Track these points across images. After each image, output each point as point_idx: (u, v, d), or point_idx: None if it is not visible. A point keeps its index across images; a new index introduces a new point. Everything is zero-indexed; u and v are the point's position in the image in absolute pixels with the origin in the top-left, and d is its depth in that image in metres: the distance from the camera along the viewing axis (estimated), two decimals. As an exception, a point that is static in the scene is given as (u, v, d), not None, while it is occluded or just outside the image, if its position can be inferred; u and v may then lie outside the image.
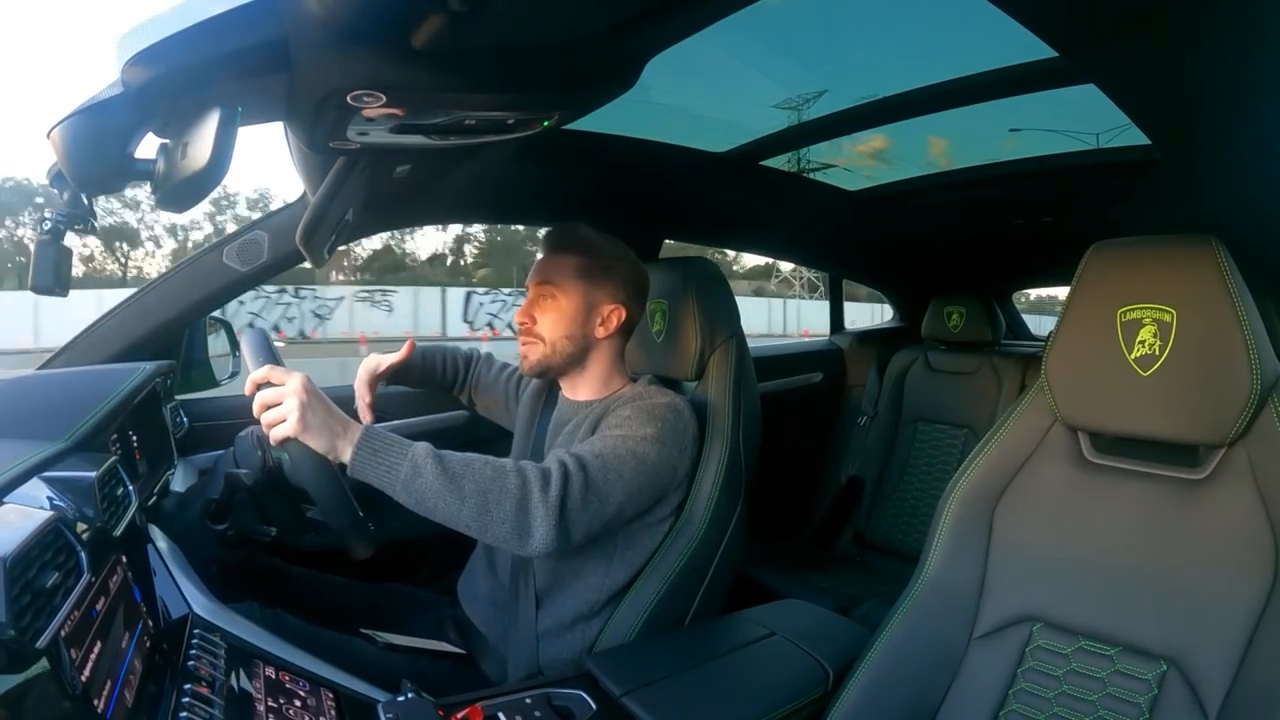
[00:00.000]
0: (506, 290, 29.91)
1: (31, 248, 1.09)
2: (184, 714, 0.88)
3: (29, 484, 0.94)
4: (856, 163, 2.21)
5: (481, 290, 30.26)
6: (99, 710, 0.77)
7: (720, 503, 1.48)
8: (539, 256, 1.55)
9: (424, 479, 1.14)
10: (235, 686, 1.01)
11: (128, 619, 0.94)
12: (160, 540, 1.26)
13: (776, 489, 3.03)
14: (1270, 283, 1.60)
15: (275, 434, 1.12)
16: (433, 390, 1.87)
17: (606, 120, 1.56)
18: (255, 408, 1.14)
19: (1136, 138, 1.46)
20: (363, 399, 1.60)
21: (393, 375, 1.70)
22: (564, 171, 1.87)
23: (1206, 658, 1.02)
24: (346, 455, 1.14)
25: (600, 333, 1.50)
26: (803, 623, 1.48)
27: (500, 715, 1.08)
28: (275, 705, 1.00)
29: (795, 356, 3.30)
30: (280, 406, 1.12)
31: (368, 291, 28.12)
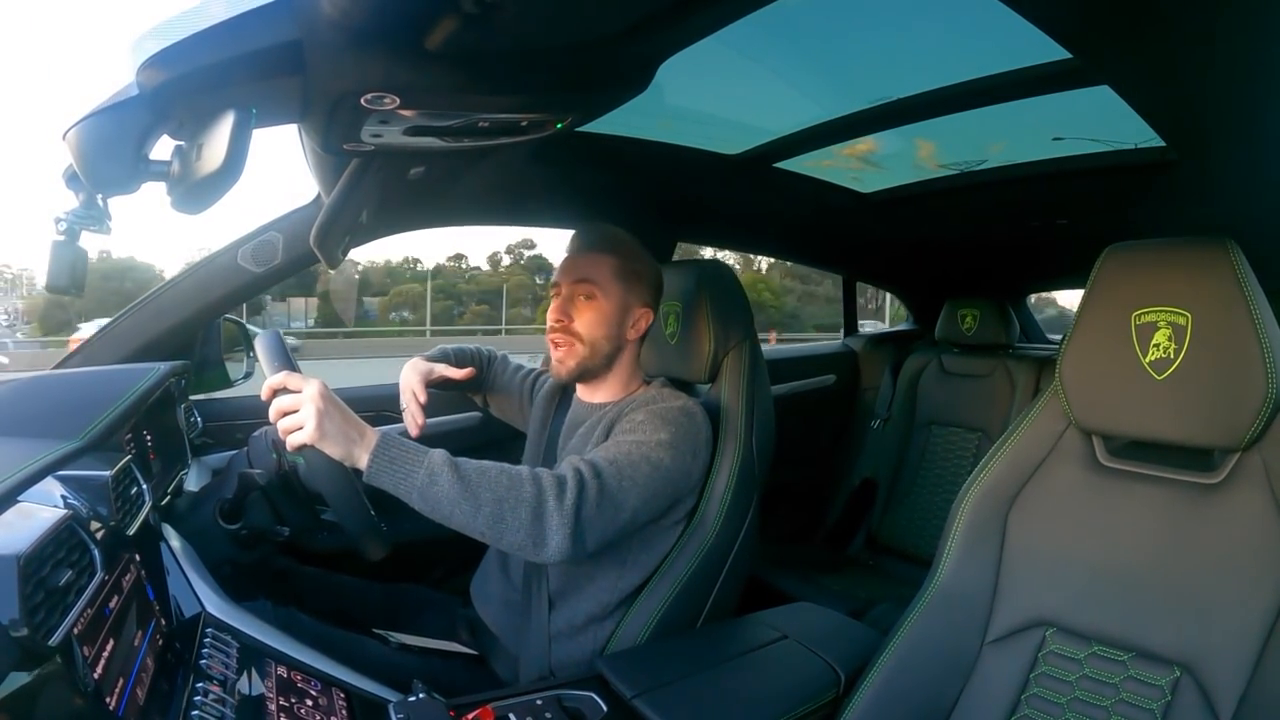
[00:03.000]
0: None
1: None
2: (196, 712, 0.89)
3: (44, 483, 0.95)
4: (843, 165, 2.21)
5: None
6: (111, 707, 0.78)
7: (733, 505, 1.48)
8: (567, 254, 1.53)
9: (440, 487, 1.14)
10: (247, 685, 1.01)
11: (140, 617, 0.95)
12: (173, 539, 1.27)
13: (790, 492, 3.03)
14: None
15: (292, 441, 1.12)
16: (460, 391, 1.87)
17: (620, 122, 1.56)
18: (271, 414, 1.13)
19: (1152, 139, 1.45)
20: (415, 403, 1.58)
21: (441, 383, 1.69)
22: (577, 174, 1.87)
23: (1220, 663, 1.01)
24: (363, 462, 1.13)
25: (631, 335, 1.50)
26: (815, 626, 1.47)
27: (511, 716, 1.08)
28: (287, 704, 1.01)
29: (809, 359, 3.29)
30: (297, 414, 1.11)
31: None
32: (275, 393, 1.15)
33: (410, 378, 1.61)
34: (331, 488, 1.21)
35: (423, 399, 1.59)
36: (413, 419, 1.56)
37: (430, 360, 1.68)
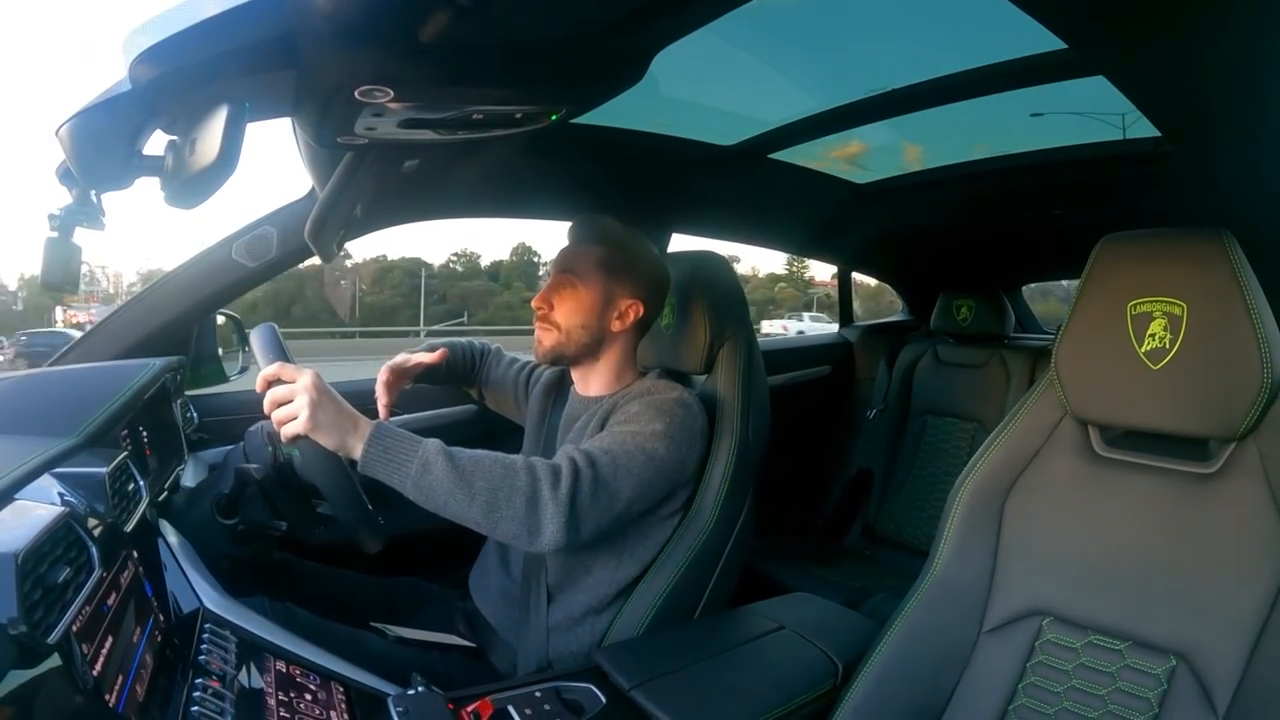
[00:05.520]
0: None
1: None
2: (195, 708, 0.89)
3: (40, 480, 0.94)
4: (832, 168, 2.21)
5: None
6: (110, 704, 0.78)
7: (729, 496, 1.48)
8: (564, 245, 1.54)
9: (434, 476, 1.14)
10: (246, 680, 1.01)
11: (139, 614, 0.95)
12: (171, 535, 1.27)
13: (786, 482, 3.03)
14: (1282, 275, 1.59)
15: (286, 431, 1.13)
16: (450, 386, 1.87)
17: (614, 114, 1.56)
18: (266, 405, 1.14)
19: (1147, 129, 1.45)
20: (382, 400, 1.59)
21: (421, 375, 1.70)
22: (572, 166, 1.86)
23: (1216, 653, 1.01)
24: (357, 452, 1.14)
25: (616, 326, 1.49)
26: (811, 616, 1.48)
27: (510, 708, 1.08)
28: (286, 699, 1.01)
29: (804, 350, 3.29)
30: (291, 404, 1.12)
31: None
32: (270, 384, 1.15)
33: (382, 376, 1.63)
34: (326, 479, 1.21)
35: (385, 399, 1.60)
36: (381, 406, 1.59)
37: (410, 352, 1.69)
